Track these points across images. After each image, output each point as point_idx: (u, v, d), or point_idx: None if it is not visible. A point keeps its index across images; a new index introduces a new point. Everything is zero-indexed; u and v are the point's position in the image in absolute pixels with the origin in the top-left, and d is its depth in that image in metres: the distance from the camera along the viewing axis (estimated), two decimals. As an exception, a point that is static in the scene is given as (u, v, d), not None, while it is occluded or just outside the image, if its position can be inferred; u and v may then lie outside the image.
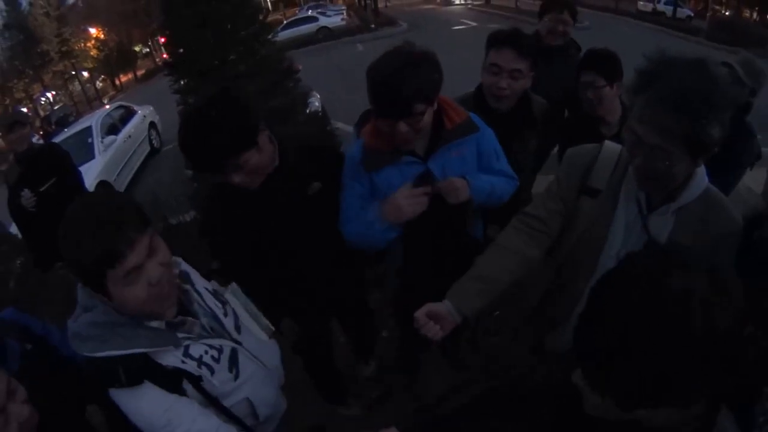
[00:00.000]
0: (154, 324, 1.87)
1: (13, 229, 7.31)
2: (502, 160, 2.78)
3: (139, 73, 56.86)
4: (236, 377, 2.14)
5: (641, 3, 33.56)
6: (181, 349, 1.92)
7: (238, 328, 2.24)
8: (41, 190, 5.38)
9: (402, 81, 2.23)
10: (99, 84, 58.54)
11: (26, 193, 5.32)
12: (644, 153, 1.77)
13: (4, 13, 52.56)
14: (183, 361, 1.92)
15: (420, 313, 2.12)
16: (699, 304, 1.00)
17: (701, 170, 1.93)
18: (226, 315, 2.20)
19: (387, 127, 2.38)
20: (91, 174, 10.55)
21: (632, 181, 2.01)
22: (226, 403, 2.11)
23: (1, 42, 53.43)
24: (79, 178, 5.95)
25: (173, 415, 1.87)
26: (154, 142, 15.57)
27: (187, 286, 2.09)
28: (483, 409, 1.61)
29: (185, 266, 2.17)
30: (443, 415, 1.67)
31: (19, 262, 7.11)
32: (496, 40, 3.05)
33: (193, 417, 1.92)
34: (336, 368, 3.74)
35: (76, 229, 1.69)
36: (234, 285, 2.36)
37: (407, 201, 2.47)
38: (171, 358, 1.89)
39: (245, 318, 2.31)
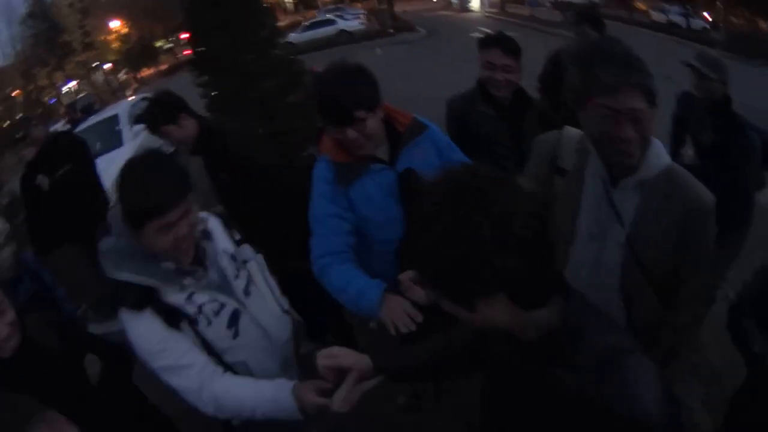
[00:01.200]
0: (167, 265, 2.13)
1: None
2: (458, 151, 2.95)
3: (162, 67, 56.98)
4: (235, 336, 2.33)
5: (654, 14, 32.87)
6: (185, 294, 2.18)
7: (247, 293, 2.42)
8: (56, 174, 5.48)
9: (340, 92, 2.47)
10: (122, 76, 58.91)
11: (41, 177, 5.42)
12: (622, 121, 1.83)
13: (29, 2, 53.27)
14: (184, 304, 2.18)
15: (404, 277, 2.21)
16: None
17: (658, 143, 2.00)
18: (237, 278, 2.39)
19: (338, 135, 2.57)
20: (119, 160, 10.27)
21: (595, 159, 2.08)
22: (228, 359, 2.30)
23: (24, 30, 54.14)
24: (94, 170, 6.02)
25: (167, 346, 2.11)
26: None
27: (207, 243, 2.34)
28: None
29: (213, 225, 2.44)
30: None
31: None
32: (485, 43, 3.65)
33: (184, 351, 2.15)
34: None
35: (137, 178, 2.01)
36: (260, 256, 2.61)
37: (404, 317, 2.22)
38: (174, 298, 2.16)
39: (263, 287, 2.54)
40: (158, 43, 61.34)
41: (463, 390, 2.47)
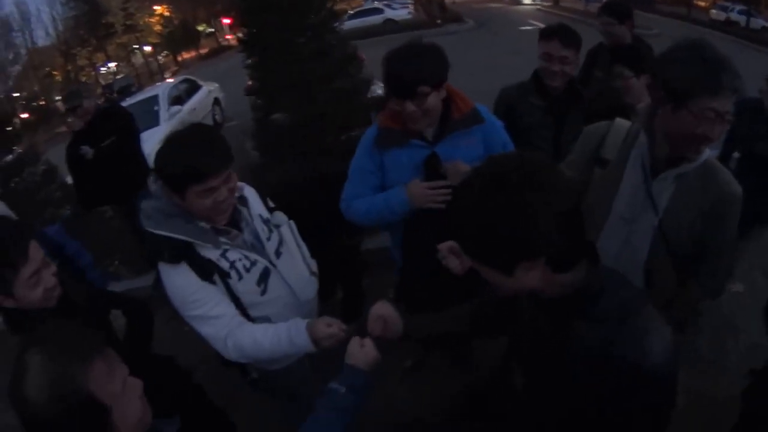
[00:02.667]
0: (203, 224, 2.30)
1: (69, 179, 7.86)
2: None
3: (203, 51, 57.66)
4: (263, 293, 2.50)
5: (714, 12, 32.09)
6: (220, 250, 2.35)
7: (278, 254, 2.59)
8: (101, 145, 5.65)
9: (407, 65, 2.61)
10: (161, 59, 59.41)
11: (86, 148, 5.61)
12: (717, 122, 1.94)
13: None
14: (218, 259, 2.34)
15: (443, 246, 2.29)
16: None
17: None
18: (269, 239, 2.57)
19: (397, 106, 2.69)
20: (154, 139, 10.58)
21: (642, 151, 2.25)
22: (253, 313, 2.48)
23: (66, 10, 54.62)
24: (137, 142, 6.20)
25: (200, 296, 2.29)
26: (217, 117, 15.89)
27: (243, 208, 2.51)
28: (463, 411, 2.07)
29: (248, 193, 2.60)
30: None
31: (68, 209, 7.63)
32: (545, 34, 3.63)
33: (216, 301, 2.33)
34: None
35: (183, 145, 2.15)
36: (292, 222, 2.77)
37: (429, 192, 2.75)
38: (209, 253, 2.32)
39: (293, 249, 2.72)
40: (200, 27, 61.68)
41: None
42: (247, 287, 2.43)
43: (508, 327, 1.89)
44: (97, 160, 5.63)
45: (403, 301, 3.39)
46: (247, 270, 2.42)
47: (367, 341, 2.02)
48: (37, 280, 2.15)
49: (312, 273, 2.83)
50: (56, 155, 8.52)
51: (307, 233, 2.90)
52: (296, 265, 2.71)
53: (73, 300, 2.40)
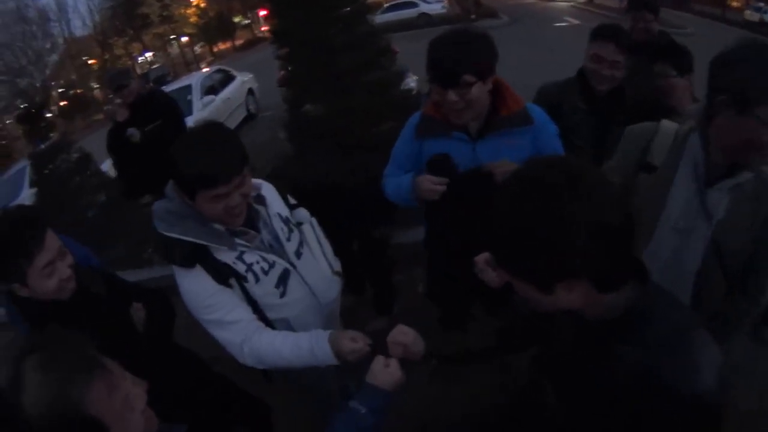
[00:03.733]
0: (217, 226, 2.22)
1: (104, 166, 8.15)
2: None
3: (238, 42, 58.13)
4: (282, 295, 2.43)
5: (748, 12, 31.62)
6: (236, 253, 2.26)
7: (298, 254, 2.51)
8: (146, 129, 5.68)
9: (452, 51, 2.47)
10: (197, 50, 59.95)
11: (132, 130, 5.65)
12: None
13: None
14: (234, 262, 2.26)
15: (479, 259, 2.18)
16: None
17: None
18: (289, 240, 2.48)
19: (439, 96, 2.56)
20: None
21: (691, 156, 2.13)
22: (270, 315, 2.41)
23: (103, 1, 55.39)
24: (182, 125, 6.15)
25: (215, 301, 2.23)
26: (251, 107, 16.02)
27: (261, 207, 2.43)
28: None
29: (266, 191, 2.50)
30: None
31: (103, 196, 7.66)
32: (600, 34, 3.37)
33: (230, 307, 2.26)
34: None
35: (194, 149, 2.07)
36: (314, 219, 2.70)
37: (426, 186, 2.66)
38: (225, 256, 2.24)
39: (315, 248, 2.63)
40: (236, 19, 62.12)
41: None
42: (265, 290, 2.37)
43: (539, 343, 1.80)
44: (142, 144, 5.65)
45: (430, 296, 3.40)
46: (265, 272, 2.35)
47: (393, 362, 1.96)
48: (52, 270, 2.11)
49: (335, 272, 2.74)
50: (92, 144, 8.61)
51: (335, 225, 2.85)
52: (318, 265, 2.63)
53: (93, 292, 2.35)
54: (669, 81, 3.37)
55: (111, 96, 5.93)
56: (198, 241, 2.17)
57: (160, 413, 1.73)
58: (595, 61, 3.37)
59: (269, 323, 2.40)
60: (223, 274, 2.24)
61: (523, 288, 1.34)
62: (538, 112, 2.75)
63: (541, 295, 1.31)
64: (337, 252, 2.85)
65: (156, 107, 5.87)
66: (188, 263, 2.19)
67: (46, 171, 7.75)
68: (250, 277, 2.30)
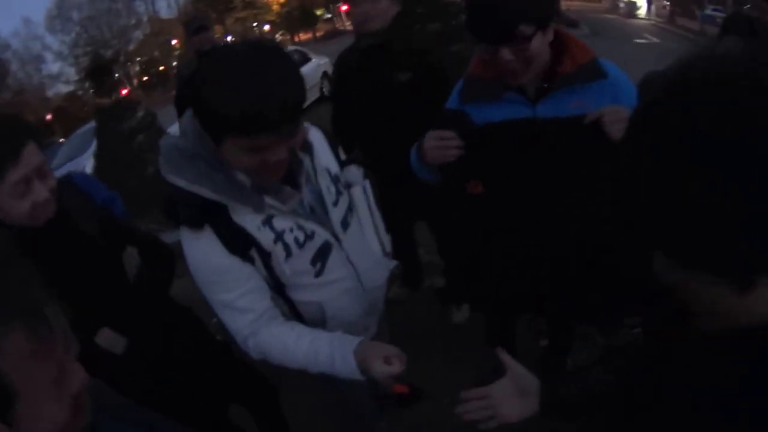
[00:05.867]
0: (241, 176, 1.62)
1: (172, 129, 8.09)
2: None
3: (319, 34, 59.00)
4: (318, 274, 1.89)
5: None
6: (262, 216, 1.69)
7: (344, 224, 1.93)
8: None
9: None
10: (278, 38, 60.87)
11: None
12: None
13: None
14: (259, 228, 1.70)
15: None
16: None
17: None
18: (336, 204, 1.90)
19: (489, 55, 1.99)
20: None
21: None
22: (295, 296, 1.91)
23: (186, -13, 57.04)
24: None
25: (225, 278, 1.72)
26: (324, 89, 16.01)
27: (305, 156, 1.81)
28: None
29: (314, 137, 1.90)
30: None
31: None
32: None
33: (245, 290, 1.74)
34: None
35: (234, 75, 1.46)
36: (368, 183, 2.07)
37: (432, 144, 2.10)
38: (247, 220, 1.68)
39: (366, 220, 2.05)
40: (318, 12, 62.80)
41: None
42: (297, 266, 1.81)
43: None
44: None
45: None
46: (300, 245, 1.77)
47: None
48: (26, 190, 1.76)
49: (386, 253, 2.14)
50: (168, 116, 9.01)
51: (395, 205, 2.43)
52: (366, 241, 2.05)
53: (75, 227, 1.99)
54: None
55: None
56: (211, 196, 1.60)
57: (144, 372, 1.57)
58: None
59: (293, 306, 1.93)
60: (240, 244, 1.68)
61: (703, 289, 0.80)
62: (611, 67, 2.10)
63: (729, 297, 0.77)
64: (395, 238, 2.28)
65: None
66: (194, 223, 1.65)
67: (111, 125, 8.01)
68: (278, 250, 1.74)
